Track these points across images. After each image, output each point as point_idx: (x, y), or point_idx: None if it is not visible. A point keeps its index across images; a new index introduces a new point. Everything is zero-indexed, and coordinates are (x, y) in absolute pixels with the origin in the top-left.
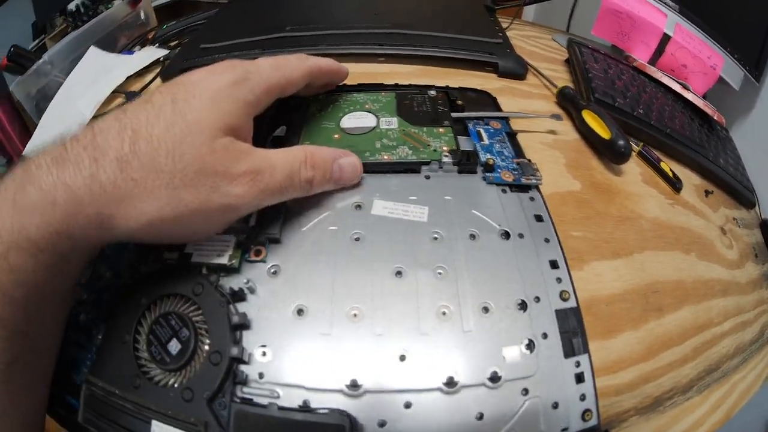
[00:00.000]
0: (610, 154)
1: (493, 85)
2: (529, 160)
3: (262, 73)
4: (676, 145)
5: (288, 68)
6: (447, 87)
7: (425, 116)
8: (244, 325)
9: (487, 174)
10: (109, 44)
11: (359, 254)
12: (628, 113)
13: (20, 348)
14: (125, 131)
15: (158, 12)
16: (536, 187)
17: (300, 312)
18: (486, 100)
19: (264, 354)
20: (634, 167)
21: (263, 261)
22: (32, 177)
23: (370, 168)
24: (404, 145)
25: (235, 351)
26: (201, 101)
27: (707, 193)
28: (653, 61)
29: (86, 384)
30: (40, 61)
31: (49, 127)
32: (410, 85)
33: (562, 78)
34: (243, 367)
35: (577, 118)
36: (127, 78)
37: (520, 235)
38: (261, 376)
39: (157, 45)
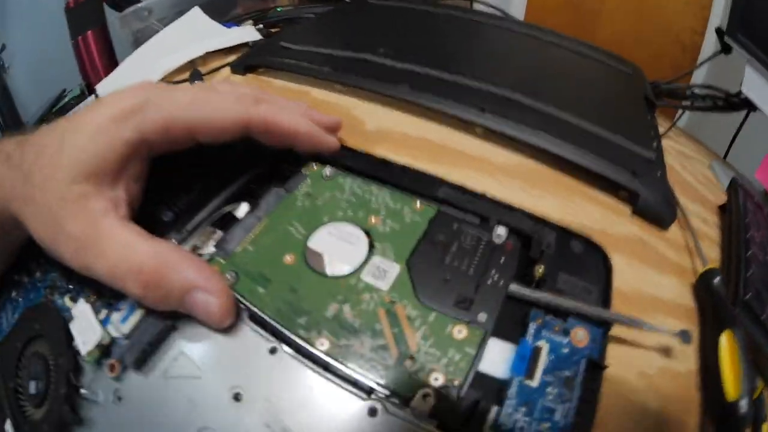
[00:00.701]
0: (719, 424)
1: (617, 227)
2: None
3: (165, 106)
4: None
5: (213, 109)
6: (541, 222)
7: (456, 284)
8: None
9: None
10: (222, 8)
11: None
12: None
13: None
14: (33, 148)
15: None
16: None
17: None
18: (592, 267)
19: None
20: None
21: (115, 379)
22: None
23: (296, 347)
24: (371, 336)
25: None
26: (81, 137)
27: None
28: None
29: None
30: (138, 5)
31: (127, 74)
32: (481, 196)
33: (712, 239)
34: None
35: (710, 337)
36: (213, 52)
37: None
38: None
39: (261, 26)
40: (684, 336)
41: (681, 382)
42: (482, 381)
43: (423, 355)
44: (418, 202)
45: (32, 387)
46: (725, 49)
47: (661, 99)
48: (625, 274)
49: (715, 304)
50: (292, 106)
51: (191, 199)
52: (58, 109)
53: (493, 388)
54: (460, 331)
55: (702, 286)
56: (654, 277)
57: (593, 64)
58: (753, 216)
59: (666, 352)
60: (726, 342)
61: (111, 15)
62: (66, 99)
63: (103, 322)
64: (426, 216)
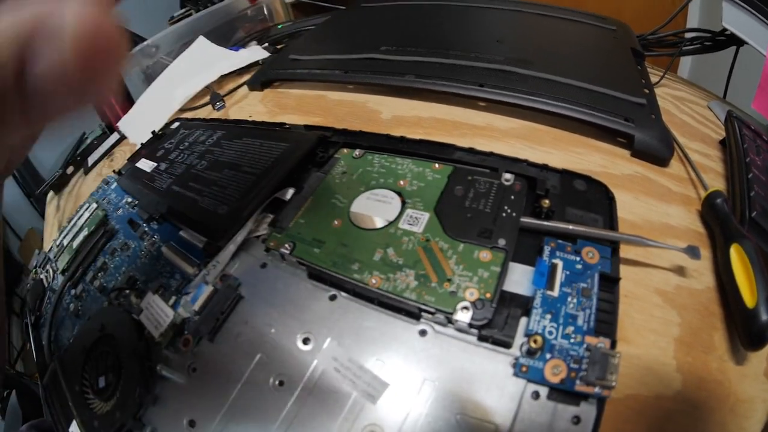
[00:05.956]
0: (743, 332)
1: (619, 168)
2: (614, 345)
3: None
4: None
5: None
6: (544, 167)
7: (476, 220)
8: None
9: (523, 361)
10: (225, 34)
11: (268, 407)
12: None
13: None
14: None
15: (302, 6)
16: (597, 398)
17: (192, 424)
18: (596, 200)
19: None
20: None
21: (188, 353)
22: None
23: (352, 289)
24: (413, 268)
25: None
26: None
27: None
28: None
29: (54, 362)
30: (145, 43)
31: (145, 108)
32: (489, 154)
33: (715, 170)
34: None
35: (721, 253)
36: (227, 75)
37: None
38: None
39: (266, 44)
40: (692, 251)
41: (700, 298)
42: (511, 298)
43: (458, 277)
44: (436, 164)
45: (101, 382)
46: None
47: (650, 50)
48: (633, 207)
49: (722, 221)
50: None
51: (243, 193)
52: (82, 150)
53: (520, 302)
54: (485, 255)
55: (707, 208)
56: (661, 207)
57: (579, 29)
58: (751, 142)
59: (680, 270)
60: (736, 254)
61: None
62: (88, 141)
63: (174, 307)
64: (445, 173)
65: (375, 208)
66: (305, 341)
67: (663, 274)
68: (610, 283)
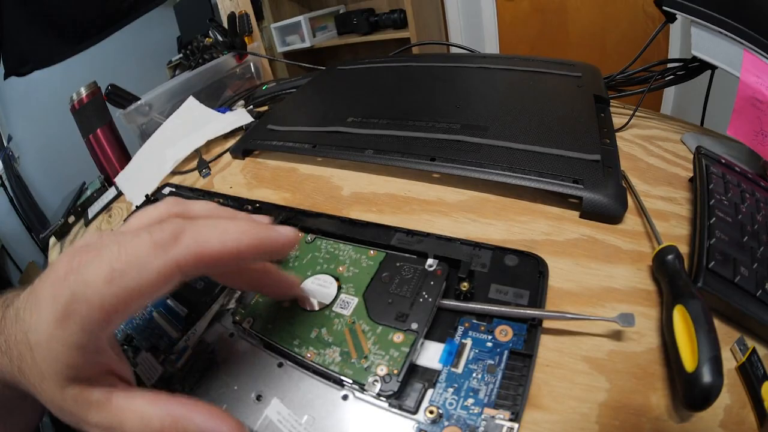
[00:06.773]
0: (684, 396)
1: (564, 234)
2: (516, 416)
3: (89, 296)
4: None
5: (130, 276)
6: (477, 245)
7: (396, 305)
8: None
9: (423, 426)
10: (215, 92)
11: None
12: (748, 295)
13: None
14: (13, 342)
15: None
16: None
17: None
18: (526, 275)
19: None
20: (722, 396)
21: None
22: None
23: (293, 359)
24: (339, 346)
25: None
26: (40, 350)
27: None
28: None
29: None
30: (139, 102)
31: (140, 165)
32: (426, 235)
33: (679, 215)
34: None
35: (666, 313)
36: (213, 138)
37: None
38: None
39: (251, 107)
40: (624, 319)
41: (638, 360)
42: (420, 372)
43: (373, 355)
44: (372, 251)
45: None
46: (669, 18)
47: (621, 90)
48: (572, 274)
49: (670, 280)
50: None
51: None
52: (82, 202)
53: (427, 376)
54: (398, 337)
55: (657, 265)
56: (604, 270)
57: (543, 81)
58: (719, 180)
59: (616, 335)
60: (679, 315)
61: (115, 111)
62: (88, 192)
63: (162, 363)
64: (377, 260)
65: (316, 291)
66: (258, 398)
67: (594, 341)
68: (520, 357)
